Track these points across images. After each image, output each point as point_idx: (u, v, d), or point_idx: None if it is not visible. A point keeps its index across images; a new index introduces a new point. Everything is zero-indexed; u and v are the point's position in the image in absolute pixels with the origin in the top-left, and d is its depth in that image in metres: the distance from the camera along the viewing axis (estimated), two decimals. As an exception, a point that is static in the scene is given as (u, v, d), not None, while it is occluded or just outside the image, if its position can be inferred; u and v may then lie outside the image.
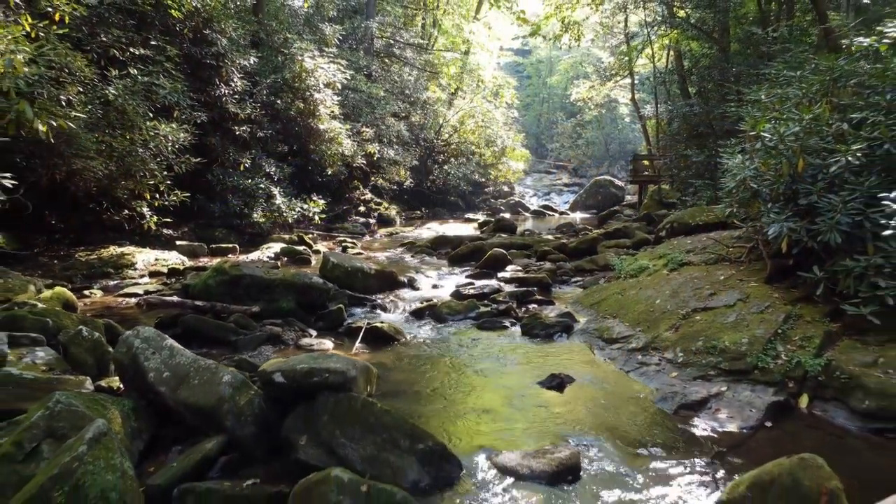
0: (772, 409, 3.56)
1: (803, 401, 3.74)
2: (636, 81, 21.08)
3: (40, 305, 4.77)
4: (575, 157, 35.71)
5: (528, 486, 2.78)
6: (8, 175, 3.96)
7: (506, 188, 25.51)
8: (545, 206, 22.56)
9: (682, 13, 12.66)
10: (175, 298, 5.43)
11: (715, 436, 3.33)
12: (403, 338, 5.30)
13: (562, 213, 21.56)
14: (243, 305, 5.51)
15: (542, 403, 3.80)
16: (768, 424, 3.44)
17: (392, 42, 19.19)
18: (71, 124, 5.68)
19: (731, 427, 3.42)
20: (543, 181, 32.82)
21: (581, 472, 2.89)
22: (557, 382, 4.11)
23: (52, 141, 4.77)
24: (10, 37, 3.98)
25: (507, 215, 18.59)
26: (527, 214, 21.26)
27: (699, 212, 8.72)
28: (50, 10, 5.63)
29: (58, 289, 5.63)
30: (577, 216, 20.15)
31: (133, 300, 6.32)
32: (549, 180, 33.21)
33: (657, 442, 3.24)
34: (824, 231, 4.32)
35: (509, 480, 2.83)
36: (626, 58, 18.85)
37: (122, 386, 3.83)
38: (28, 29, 5.50)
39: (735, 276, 5.42)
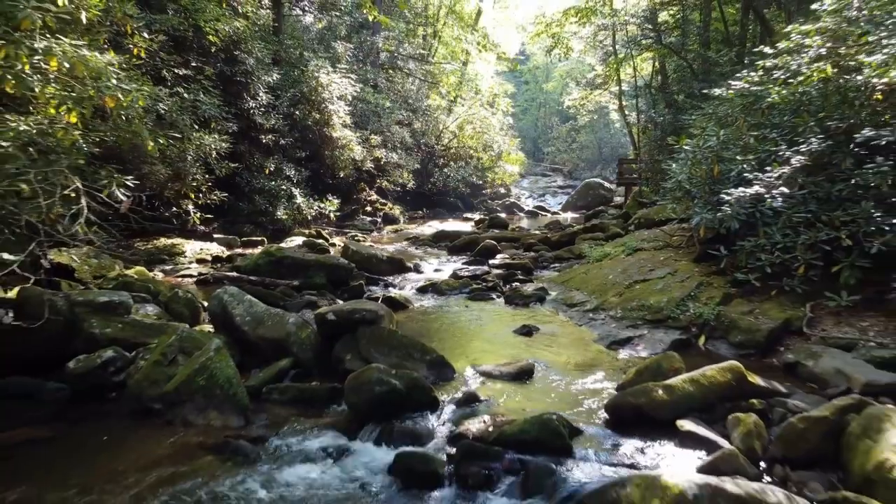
0: (675, 344, 5.02)
1: (701, 340, 5.20)
2: (624, 89, 22.60)
3: (136, 277, 6.24)
4: (569, 160, 37.23)
5: (499, 381, 4.25)
6: (130, 177, 5.39)
7: (502, 190, 26.95)
8: (539, 207, 24.03)
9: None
10: (234, 274, 6.91)
11: (630, 358, 4.80)
12: (412, 305, 6.76)
13: (554, 213, 22.99)
14: (285, 280, 6.98)
15: (514, 342, 5.28)
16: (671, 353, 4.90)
17: (396, 55, 20.69)
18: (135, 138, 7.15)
19: (644, 353, 4.88)
20: (539, 183, 34.28)
21: (534, 374, 4.36)
22: (527, 330, 5.58)
23: (156, 152, 6.22)
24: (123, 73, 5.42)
25: (502, 215, 20.04)
26: (521, 214, 22.72)
27: (662, 209, 10.18)
28: (131, 46, 7.08)
29: (137, 268, 7.11)
30: (569, 216, 21.58)
31: (190, 280, 7.80)
32: (544, 182, 34.68)
33: (590, 361, 4.72)
34: (728, 220, 5.79)
35: (486, 378, 4.30)
36: (613, 68, 20.37)
37: (212, 329, 5.30)
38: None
39: (672, 257, 6.90)
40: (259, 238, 11.37)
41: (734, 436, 3.11)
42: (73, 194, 4.13)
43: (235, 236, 11.06)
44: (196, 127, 9.69)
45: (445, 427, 3.55)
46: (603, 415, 3.58)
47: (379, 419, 3.64)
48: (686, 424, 3.23)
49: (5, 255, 3.90)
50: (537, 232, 13.55)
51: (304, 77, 13.49)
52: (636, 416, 3.41)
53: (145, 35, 7.56)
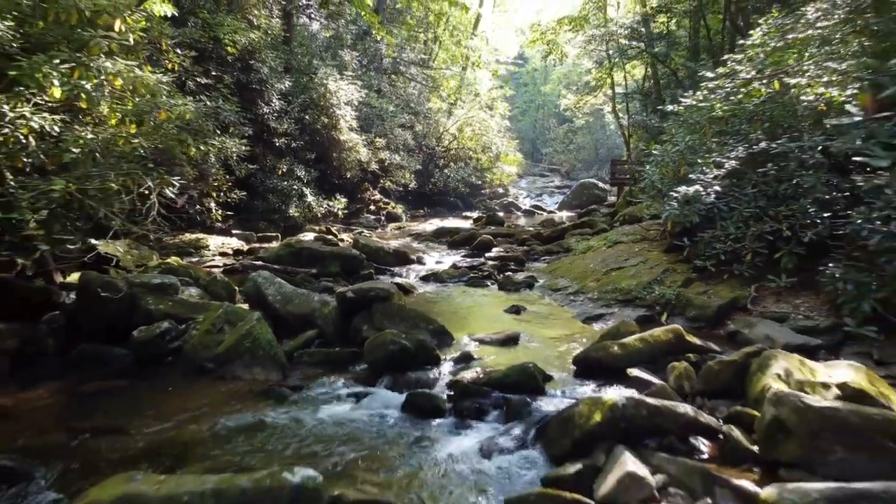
0: (640, 319, 5.90)
1: (663, 316, 6.09)
2: (617, 92, 23.51)
3: (177, 265, 7.14)
4: (567, 160, 38.11)
5: (489, 346, 5.16)
6: (177, 177, 6.27)
7: (501, 190, 27.86)
8: (535, 206, 24.93)
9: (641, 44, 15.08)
10: (259, 262, 7.82)
11: (601, 330, 5.70)
12: (416, 290, 7.67)
13: (550, 212, 23.88)
14: (304, 269, 7.89)
15: (504, 318, 6.18)
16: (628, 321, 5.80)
17: (398, 60, 21.60)
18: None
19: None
20: (537, 183, 35.17)
21: (519, 341, 5.26)
22: (515, 309, 6.48)
23: (199, 156, 7.13)
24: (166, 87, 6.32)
25: (500, 214, 20.94)
26: (519, 213, 23.62)
27: (646, 207, 11.08)
28: (166, 62, 7.99)
29: (173, 257, 8.01)
30: (564, 214, 22.46)
31: (217, 269, 8.69)
32: (542, 182, 35.56)
33: (567, 332, 5.62)
34: (690, 214, 6.69)
35: (479, 343, 5.21)
36: (607, 72, 21.29)
37: (247, 307, 6.19)
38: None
39: (646, 248, 7.80)
40: (273, 234, 12.27)
41: (670, 378, 4.02)
42: (146, 192, 5.02)
43: (252, 232, 11.98)
44: (218, 132, 10.59)
45: (445, 377, 4.45)
46: (571, 367, 4.49)
47: (392, 372, 4.54)
48: (634, 371, 4.14)
49: (92, 241, 4.80)
50: (531, 229, 14.46)
51: (313, 84, 14.41)
52: (597, 366, 4.31)
53: (178, 51, 8.47)
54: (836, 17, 6.58)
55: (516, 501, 2.74)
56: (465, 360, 4.77)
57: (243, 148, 10.84)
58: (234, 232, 11.64)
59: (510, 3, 36.52)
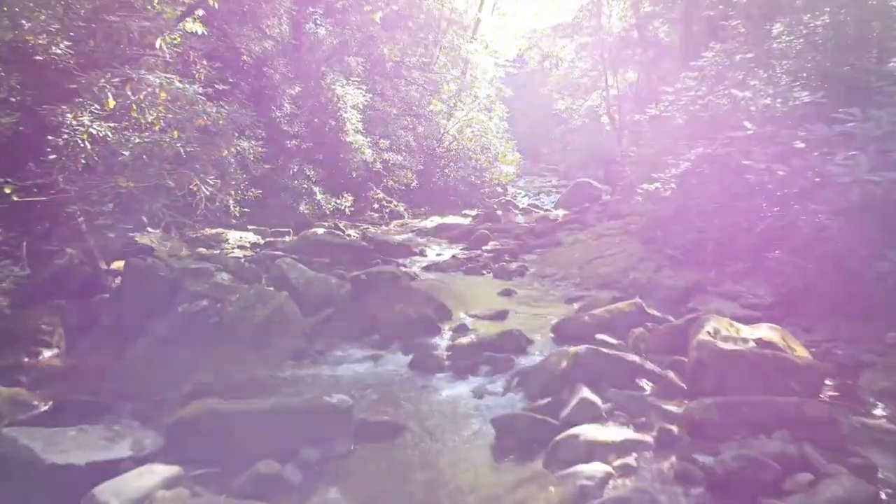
0: (615, 300, 6.78)
1: (636, 297, 6.96)
2: (612, 94, 24.36)
3: (206, 253, 8.03)
4: (564, 161, 38.84)
5: (483, 320, 6.05)
6: (211, 176, 7.15)
7: (499, 189, 28.66)
8: (533, 205, 25.73)
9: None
10: (279, 252, 8.72)
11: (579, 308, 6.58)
12: (419, 278, 8.52)
13: (546, 210, 24.63)
14: (319, 258, 8.78)
15: (497, 300, 7.06)
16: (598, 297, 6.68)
17: (400, 63, 22.47)
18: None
19: (591, 305, 6.66)
20: (535, 183, 35.95)
21: (508, 316, 6.14)
22: (508, 292, 7.36)
23: (231, 157, 8.04)
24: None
25: (499, 212, 21.79)
26: (516, 211, 24.40)
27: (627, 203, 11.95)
28: (194, 73, 8.87)
29: (199, 249, 8.90)
30: (560, 212, 23.26)
31: (240, 259, 9.57)
32: (540, 182, 36.33)
33: (551, 310, 6.50)
34: (662, 210, 7.57)
35: (474, 318, 6.09)
36: (601, 74, 22.17)
37: (272, 289, 7.07)
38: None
39: (626, 240, 8.68)
40: (285, 229, 13.14)
41: (629, 341, 4.90)
42: (194, 188, 5.90)
43: (266, 228, 12.86)
44: (236, 134, 11.47)
45: (445, 342, 5.35)
46: (550, 334, 5.37)
47: (401, 339, 5.42)
48: (600, 336, 5.01)
49: (150, 230, 5.67)
50: (527, 225, 15.33)
51: (321, 88, 15.29)
52: (570, 333, 5.19)
53: (204, 62, 9.35)
54: (799, 33, 7.45)
55: (499, 419, 3.62)
56: (462, 330, 5.65)
57: (259, 149, 11.71)
58: (249, 227, 12.51)
59: (509, 6, 37.32)
